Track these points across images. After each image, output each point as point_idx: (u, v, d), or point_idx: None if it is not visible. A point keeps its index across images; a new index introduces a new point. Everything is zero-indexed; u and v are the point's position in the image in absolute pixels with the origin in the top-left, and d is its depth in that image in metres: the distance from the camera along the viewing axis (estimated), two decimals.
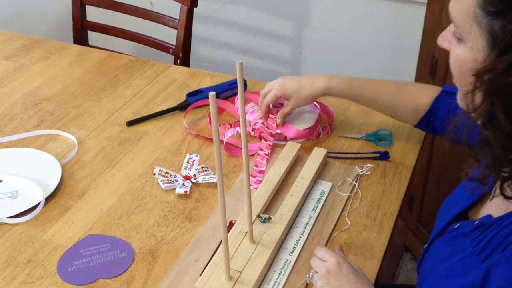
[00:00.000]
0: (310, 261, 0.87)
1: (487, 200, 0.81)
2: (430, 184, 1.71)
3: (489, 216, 0.76)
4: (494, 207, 0.77)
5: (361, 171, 1.10)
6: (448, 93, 1.08)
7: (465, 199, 0.84)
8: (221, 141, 1.16)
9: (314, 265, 0.85)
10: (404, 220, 1.85)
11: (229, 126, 1.19)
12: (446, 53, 1.65)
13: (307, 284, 0.89)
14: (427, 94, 1.09)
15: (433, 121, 1.10)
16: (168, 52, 1.75)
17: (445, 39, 0.78)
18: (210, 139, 1.19)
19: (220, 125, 1.20)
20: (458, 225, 0.81)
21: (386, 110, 1.14)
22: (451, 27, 0.75)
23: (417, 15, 1.80)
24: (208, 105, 1.28)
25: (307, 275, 0.87)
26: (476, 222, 0.76)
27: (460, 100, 0.77)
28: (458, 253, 0.76)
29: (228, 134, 1.16)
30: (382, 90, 1.11)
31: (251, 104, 1.26)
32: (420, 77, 1.67)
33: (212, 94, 0.71)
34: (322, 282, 0.82)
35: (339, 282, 0.81)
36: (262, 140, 1.15)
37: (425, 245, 0.88)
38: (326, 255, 0.85)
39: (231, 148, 1.17)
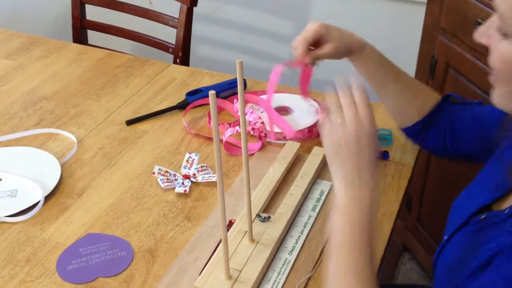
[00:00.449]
0: (329, 100, 0.77)
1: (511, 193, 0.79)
2: (429, 185, 1.71)
3: None
4: None
5: None
6: (451, 101, 1.07)
7: (489, 191, 0.83)
8: (221, 140, 1.16)
9: (345, 102, 0.77)
10: (403, 220, 1.85)
11: (228, 125, 1.19)
12: (445, 53, 1.66)
13: (306, 284, 0.89)
14: (433, 97, 1.07)
15: (429, 125, 1.06)
16: (168, 51, 1.75)
17: (484, 35, 0.75)
18: (210, 138, 1.19)
19: (219, 125, 1.20)
20: (484, 216, 0.79)
21: (394, 100, 1.07)
22: (493, 22, 0.73)
23: (417, 15, 1.79)
24: (207, 104, 1.28)
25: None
26: (506, 211, 0.75)
27: (502, 100, 0.75)
28: (489, 242, 0.74)
29: (228, 133, 1.16)
30: (405, 76, 1.06)
31: (249, 104, 1.26)
32: (420, 77, 1.67)
33: (212, 93, 0.71)
34: (331, 149, 0.76)
35: (357, 155, 0.74)
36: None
37: (444, 238, 0.87)
38: (364, 112, 0.76)
39: (230, 147, 1.17)
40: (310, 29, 1.01)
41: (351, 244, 0.74)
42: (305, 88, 1.09)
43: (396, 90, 1.05)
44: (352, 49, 1.03)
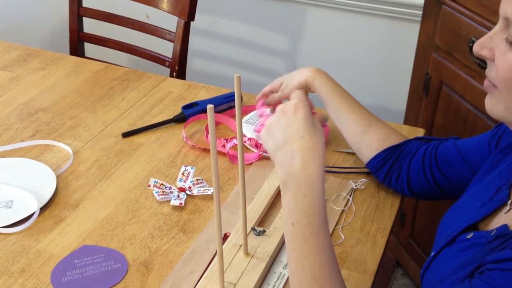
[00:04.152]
0: None
1: (499, 212, 0.80)
2: (422, 201, 1.72)
3: (506, 226, 0.75)
4: (511, 218, 0.77)
5: (355, 186, 1.11)
6: (420, 140, 1.08)
7: (475, 210, 0.83)
8: (221, 152, 1.16)
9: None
10: (396, 236, 1.86)
11: (225, 141, 1.20)
12: (439, 71, 1.68)
13: None
14: (400, 136, 1.08)
15: (396, 157, 1.05)
16: (164, 65, 1.76)
17: (484, 47, 0.74)
18: (205, 152, 1.20)
19: (216, 139, 1.21)
20: (471, 235, 0.80)
21: (351, 131, 1.09)
22: (495, 34, 0.73)
23: (411, 33, 1.82)
24: (203, 118, 1.29)
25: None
26: (493, 233, 0.75)
27: (508, 113, 0.74)
28: (474, 262, 0.74)
29: (228, 146, 1.18)
30: (360, 108, 1.09)
31: (247, 117, 1.27)
32: (414, 94, 1.68)
33: (210, 106, 0.72)
34: (273, 118, 0.80)
35: (287, 124, 0.78)
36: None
37: (431, 254, 0.87)
38: (294, 94, 0.82)
39: (234, 158, 1.17)
40: (269, 85, 1.13)
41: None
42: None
43: (351, 120, 1.08)
44: (299, 81, 1.09)
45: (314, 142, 0.76)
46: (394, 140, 1.07)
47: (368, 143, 1.07)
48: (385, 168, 1.06)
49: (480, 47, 0.75)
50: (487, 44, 0.74)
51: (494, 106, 0.76)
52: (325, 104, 1.11)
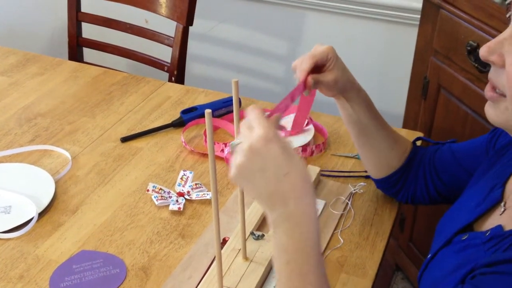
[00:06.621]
0: (241, 123, 0.71)
1: (493, 212, 0.80)
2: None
3: (500, 226, 0.74)
4: (506, 218, 0.76)
5: (354, 190, 1.11)
6: (421, 145, 1.06)
7: (470, 211, 0.83)
8: (218, 157, 1.17)
9: (242, 131, 0.70)
10: (396, 240, 1.86)
11: (223, 145, 1.20)
12: (437, 74, 1.68)
13: None
14: (407, 143, 1.04)
15: (406, 173, 1.03)
16: (163, 70, 1.76)
17: (494, 52, 0.71)
18: (204, 156, 1.20)
19: (214, 143, 1.21)
20: (466, 236, 0.79)
21: (378, 147, 1.01)
22: (506, 40, 0.70)
23: (409, 36, 1.82)
24: (202, 123, 1.29)
25: (231, 142, 0.71)
26: (488, 234, 0.75)
27: None
28: (470, 263, 0.73)
29: (227, 151, 1.18)
30: (386, 123, 1.02)
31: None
32: (412, 98, 1.69)
33: (208, 111, 0.72)
34: (243, 159, 0.68)
35: (264, 164, 0.67)
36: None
37: (428, 256, 0.87)
38: (256, 122, 0.69)
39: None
40: (319, 49, 0.89)
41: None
42: (302, 119, 1.01)
43: (381, 136, 1.00)
44: (351, 86, 0.94)
45: (300, 172, 0.68)
46: (407, 150, 1.02)
47: (390, 158, 1.02)
48: (395, 189, 1.05)
49: (489, 52, 0.71)
50: (497, 50, 0.71)
51: (498, 115, 0.73)
52: (359, 117, 0.98)
